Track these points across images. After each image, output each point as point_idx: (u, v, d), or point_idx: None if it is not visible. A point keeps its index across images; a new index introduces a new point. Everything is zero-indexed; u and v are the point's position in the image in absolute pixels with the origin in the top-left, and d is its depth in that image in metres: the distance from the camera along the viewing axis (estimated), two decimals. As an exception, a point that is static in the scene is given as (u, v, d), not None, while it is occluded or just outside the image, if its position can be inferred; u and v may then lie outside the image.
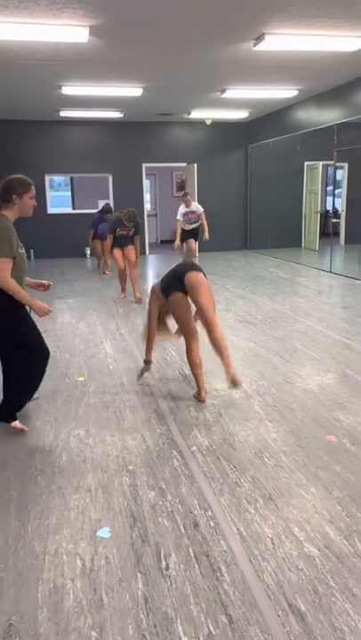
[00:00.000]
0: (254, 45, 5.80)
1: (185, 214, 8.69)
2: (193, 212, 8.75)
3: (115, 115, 10.40)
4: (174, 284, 3.59)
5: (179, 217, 8.71)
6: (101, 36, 5.45)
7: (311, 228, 11.84)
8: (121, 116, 10.49)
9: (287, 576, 1.94)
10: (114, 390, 3.82)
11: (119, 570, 1.99)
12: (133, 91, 8.14)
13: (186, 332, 3.61)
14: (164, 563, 2.02)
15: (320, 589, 1.87)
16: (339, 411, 3.38)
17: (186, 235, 8.76)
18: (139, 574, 1.96)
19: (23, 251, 3.06)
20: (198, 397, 3.59)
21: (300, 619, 1.74)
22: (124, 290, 7.24)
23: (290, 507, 2.36)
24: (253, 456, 2.82)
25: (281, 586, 1.89)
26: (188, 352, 3.60)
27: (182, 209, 8.73)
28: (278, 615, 1.76)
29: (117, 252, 7.03)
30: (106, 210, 9.45)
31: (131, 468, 2.73)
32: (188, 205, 8.70)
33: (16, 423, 3.18)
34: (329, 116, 8.86)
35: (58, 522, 2.29)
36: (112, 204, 11.76)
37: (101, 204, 11.94)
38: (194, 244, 8.95)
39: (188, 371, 4.19)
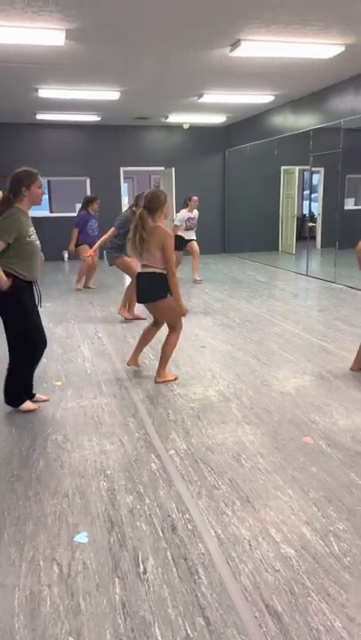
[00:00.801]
0: (230, 51, 5.86)
1: (187, 220, 7.92)
2: (194, 218, 8.03)
3: (92, 118, 10.38)
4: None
5: (178, 222, 7.83)
6: (78, 39, 5.44)
7: (288, 231, 11.97)
8: (98, 119, 10.48)
9: (264, 577, 1.95)
10: (92, 395, 3.80)
11: (97, 575, 1.98)
12: (111, 94, 8.14)
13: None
14: (141, 567, 2.02)
15: (296, 590, 1.89)
16: (315, 413, 3.42)
17: (180, 242, 7.51)
18: (116, 579, 1.96)
19: (37, 241, 3.28)
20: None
21: (276, 619, 1.76)
22: (131, 310, 6.06)
23: (267, 508, 2.38)
24: (231, 459, 2.84)
25: (258, 587, 1.90)
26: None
27: (185, 214, 7.88)
28: (255, 616, 1.77)
29: (131, 260, 5.79)
30: (90, 199, 7.97)
31: (108, 472, 2.72)
32: (191, 210, 7.95)
33: (26, 405, 3.46)
34: (305, 121, 8.98)
35: (35, 528, 2.27)
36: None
37: (79, 207, 11.90)
38: (196, 247, 8.22)
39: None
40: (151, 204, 3.76)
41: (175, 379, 4.06)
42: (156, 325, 4.18)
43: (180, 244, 7.50)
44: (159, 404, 3.61)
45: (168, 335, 3.99)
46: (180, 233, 7.73)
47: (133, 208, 5.59)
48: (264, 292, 7.73)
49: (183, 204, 8.09)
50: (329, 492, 2.51)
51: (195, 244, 8.25)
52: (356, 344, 4.59)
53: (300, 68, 6.83)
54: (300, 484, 2.57)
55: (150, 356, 4.60)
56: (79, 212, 8.12)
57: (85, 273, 8.01)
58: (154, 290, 3.82)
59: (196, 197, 8.00)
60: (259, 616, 1.77)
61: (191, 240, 8.15)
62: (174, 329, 3.98)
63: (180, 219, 7.93)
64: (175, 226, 7.83)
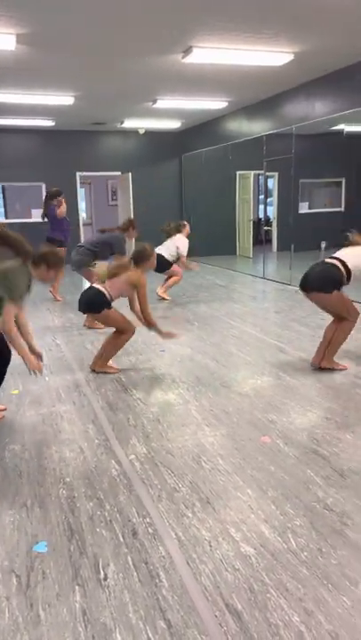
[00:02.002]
0: (183, 58, 5.92)
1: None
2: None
3: (46, 123, 10.27)
4: None
5: (184, 252, 7.26)
6: (30, 44, 5.39)
7: (245, 235, 12.15)
8: (53, 124, 10.38)
9: (224, 577, 1.98)
10: (50, 402, 3.76)
11: (56, 584, 1.96)
12: (65, 99, 8.08)
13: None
14: (102, 573, 2.01)
15: (256, 587, 1.92)
16: (273, 412, 3.49)
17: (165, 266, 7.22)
18: (77, 587, 1.94)
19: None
20: None
21: (236, 617, 1.78)
22: None
23: (227, 509, 2.41)
24: (191, 461, 2.86)
25: (218, 587, 1.93)
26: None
27: (185, 241, 7.33)
28: (216, 616, 1.79)
29: (96, 273, 5.74)
30: (54, 194, 7.76)
31: (68, 480, 2.70)
32: (186, 235, 7.42)
33: None
34: (258, 127, 9.16)
35: (-8, 540, 2.23)
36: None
37: (36, 213, 11.71)
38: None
39: (125, 378, 4.20)
40: (137, 257, 4.30)
41: (117, 371, 4.32)
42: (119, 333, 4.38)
43: (163, 267, 7.12)
44: (119, 410, 3.60)
45: (117, 335, 4.30)
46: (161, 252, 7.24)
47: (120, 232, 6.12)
48: (223, 295, 7.82)
49: (175, 229, 7.48)
50: (287, 489, 2.56)
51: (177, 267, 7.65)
52: (312, 344, 4.70)
53: (252, 76, 6.97)
54: (259, 484, 2.61)
55: (110, 362, 4.58)
56: (49, 210, 7.77)
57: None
58: (98, 303, 4.20)
59: (186, 222, 7.62)
60: (219, 615, 1.79)
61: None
62: (125, 332, 4.29)
63: (184, 247, 7.32)
64: (183, 255, 7.28)
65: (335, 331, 4.17)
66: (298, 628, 1.73)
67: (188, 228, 7.49)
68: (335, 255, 4.17)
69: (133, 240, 6.67)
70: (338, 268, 4.05)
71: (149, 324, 4.29)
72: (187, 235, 7.45)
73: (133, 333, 4.33)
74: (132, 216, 10.96)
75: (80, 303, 4.38)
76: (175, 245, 7.30)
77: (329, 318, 4.38)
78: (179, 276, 7.43)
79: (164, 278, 7.51)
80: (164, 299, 7.32)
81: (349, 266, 4.04)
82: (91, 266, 5.94)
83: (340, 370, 4.20)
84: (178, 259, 7.35)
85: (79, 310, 4.50)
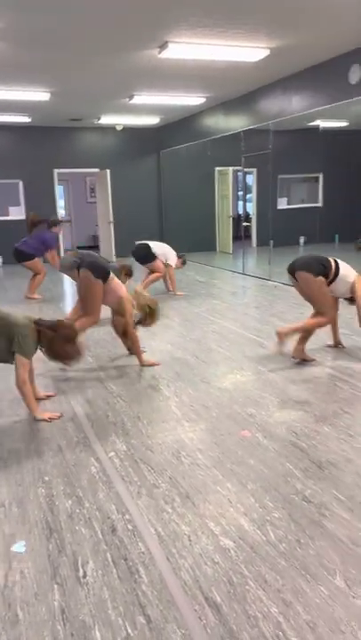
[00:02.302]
0: (159, 53, 5.90)
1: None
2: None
3: (22, 119, 10.15)
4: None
5: (173, 263, 7.37)
6: (4, 39, 5.32)
7: (224, 231, 12.18)
8: (29, 120, 10.26)
9: (203, 570, 1.98)
10: (29, 401, 3.72)
11: (35, 583, 1.95)
12: (40, 95, 7.99)
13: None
14: (81, 571, 2.00)
15: (235, 580, 1.93)
16: (252, 406, 3.50)
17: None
18: (55, 585, 1.93)
19: None
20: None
21: (215, 610, 1.79)
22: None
23: (206, 503, 2.42)
24: (171, 456, 2.86)
25: (197, 580, 1.93)
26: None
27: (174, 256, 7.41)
28: (195, 610, 1.79)
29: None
30: (57, 222, 8.05)
31: (47, 478, 2.68)
32: None
33: None
34: (236, 123, 9.17)
35: (-31, 541, 2.20)
36: (23, 211, 11.48)
37: (13, 210, 11.59)
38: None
39: (105, 376, 4.18)
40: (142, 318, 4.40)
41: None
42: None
43: (147, 259, 7.26)
44: (98, 407, 3.58)
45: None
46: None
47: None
48: (203, 291, 7.83)
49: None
50: (266, 482, 2.57)
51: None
52: (291, 339, 4.72)
53: (229, 71, 6.97)
54: (239, 477, 2.62)
55: (89, 359, 4.56)
56: (44, 234, 7.69)
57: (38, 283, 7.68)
58: None
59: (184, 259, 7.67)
60: (198, 609, 1.80)
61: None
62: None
63: (173, 260, 7.39)
64: (170, 266, 7.38)
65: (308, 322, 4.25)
66: (276, 619, 1.74)
67: (180, 262, 7.52)
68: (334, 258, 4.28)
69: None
70: (329, 261, 4.17)
71: (136, 351, 4.38)
72: (178, 265, 7.48)
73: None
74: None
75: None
76: (164, 250, 7.33)
77: (308, 313, 4.41)
78: (160, 272, 7.40)
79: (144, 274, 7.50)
80: (179, 294, 7.39)
81: (340, 270, 4.16)
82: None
83: (310, 361, 4.25)
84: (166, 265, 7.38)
85: None
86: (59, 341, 3.25)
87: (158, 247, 7.38)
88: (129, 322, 4.31)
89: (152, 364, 4.37)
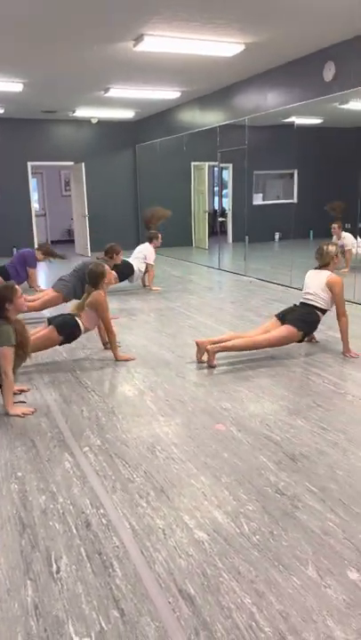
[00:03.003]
0: (134, 46, 5.85)
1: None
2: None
3: (-5, 110, 9.97)
4: None
5: (152, 261, 7.39)
6: (-26, 27, 5.20)
7: (200, 227, 12.18)
8: (2, 111, 10.08)
9: (178, 563, 1.99)
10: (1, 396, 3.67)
11: (7, 580, 1.93)
12: (13, 86, 7.85)
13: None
14: (54, 566, 1.99)
15: (208, 572, 1.94)
16: (226, 400, 3.52)
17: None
18: (28, 581, 1.91)
19: None
20: None
21: (189, 602, 1.80)
22: None
23: (180, 496, 2.42)
24: (146, 451, 2.86)
25: (172, 573, 1.94)
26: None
27: (153, 252, 7.38)
28: (169, 602, 1.80)
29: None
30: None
31: (20, 474, 2.65)
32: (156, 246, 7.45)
33: None
34: (212, 117, 9.17)
35: None
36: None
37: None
38: None
39: (80, 371, 4.15)
40: (93, 279, 4.28)
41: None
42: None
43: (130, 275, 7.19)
44: (73, 402, 3.55)
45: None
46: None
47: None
48: (178, 286, 7.83)
49: (148, 237, 7.56)
50: (240, 475, 2.59)
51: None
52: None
53: (204, 66, 6.95)
54: (213, 471, 2.64)
55: (63, 354, 4.52)
56: (28, 253, 7.41)
57: None
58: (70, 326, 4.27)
59: (160, 235, 7.58)
60: (172, 601, 1.80)
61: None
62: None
63: (151, 257, 7.40)
64: (151, 265, 7.41)
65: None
66: (250, 610, 1.76)
67: (159, 242, 7.52)
68: (309, 293, 4.40)
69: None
70: (318, 314, 4.38)
71: (112, 345, 4.35)
72: (155, 247, 7.46)
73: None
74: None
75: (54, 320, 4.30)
76: (143, 254, 7.34)
77: (282, 307, 4.45)
78: (151, 272, 7.49)
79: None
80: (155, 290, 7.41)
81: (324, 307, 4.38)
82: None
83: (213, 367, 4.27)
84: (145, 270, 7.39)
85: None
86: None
87: (135, 255, 7.36)
88: (106, 318, 4.27)
89: (127, 359, 4.36)
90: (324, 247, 4.47)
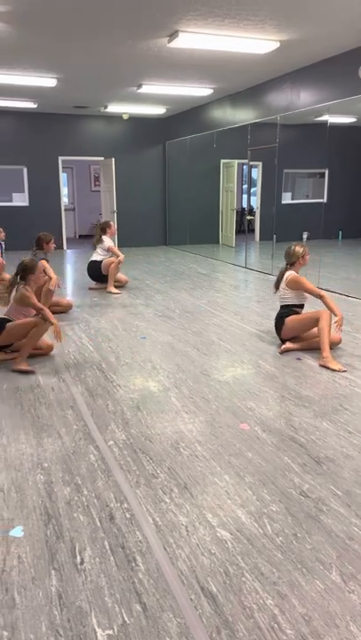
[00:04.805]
0: (168, 42, 5.85)
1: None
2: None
3: (28, 105, 10.08)
4: None
5: (113, 244, 7.34)
6: (10, 22, 5.26)
7: (228, 225, 12.13)
8: (35, 106, 10.20)
9: (200, 561, 1.99)
10: (29, 388, 3.73)
11: (32, 568, 1.96)
12: (47, 81, 7.93)
13: None
14: (78, 557, 2.01)
15: (231, 571, 1.94)
16: (251, 400, 3.51)
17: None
18: (53, 571, 1.94)
19: None
20: None
21: (211, 600, 1.80)
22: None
23: (204, 494, 2.43)
24: (170, 447, 2.87)
25: (194, 570, 1.94)
26: None
27: (110, 240, 7.35)
28: (191, 599, 1.81)
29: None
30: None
31: (46, 465, 2.69)
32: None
33: None
34: (243, 115, 9.11)
35: (-32, 524, 2.21)
36: (27, 197, 11.45)
37: (16, 197, 11.52)
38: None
39: (105, 365, 4.18)
40: (21, 272, 4.20)
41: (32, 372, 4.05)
42: None
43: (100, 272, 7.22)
44: (98, 396, 3.59)
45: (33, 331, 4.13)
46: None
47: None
48: (204, 283, 7.82)
49: (100, 231, 7.34)
50: (263, 475, 2.58)
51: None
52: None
53: (237, 63, 6.91)
54: (237, 470, 2.63)
55: (90, 348, 4.56)
56: None
57: None
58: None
59: (112, 223, 7.52)
60: (194, 598, 1.81)
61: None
62: (38, 324, 4.14)
63: (111, 243, 7.34)
64: (113, 247, 7.30)
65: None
66: (271, 611, 1.75)
67: (113, 229, 7.44)
68: (280, 294, 4.62)
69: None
70: (295, 311, 4.53)
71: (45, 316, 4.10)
72: (111, 235, 7.37)
73: (48, 322, 4.08)
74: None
75: None
76: (104, 249, 7.27)
77: (310, 309, 4.41)
78: (115, 260, 7.15)
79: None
80: (115, 293, 7.01)
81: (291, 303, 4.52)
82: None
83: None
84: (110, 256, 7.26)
85: None
86: None
87: (99, 253, 7.30)
88: (35, 305, 4.15)
89: (57, 332, 4.08)
90: (292, 247, 4.61)
